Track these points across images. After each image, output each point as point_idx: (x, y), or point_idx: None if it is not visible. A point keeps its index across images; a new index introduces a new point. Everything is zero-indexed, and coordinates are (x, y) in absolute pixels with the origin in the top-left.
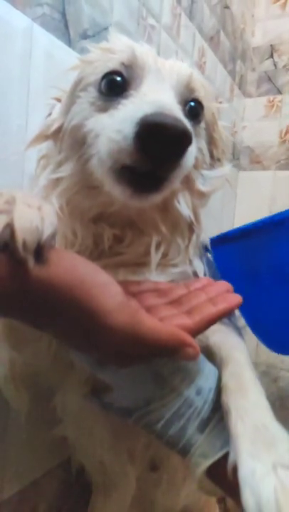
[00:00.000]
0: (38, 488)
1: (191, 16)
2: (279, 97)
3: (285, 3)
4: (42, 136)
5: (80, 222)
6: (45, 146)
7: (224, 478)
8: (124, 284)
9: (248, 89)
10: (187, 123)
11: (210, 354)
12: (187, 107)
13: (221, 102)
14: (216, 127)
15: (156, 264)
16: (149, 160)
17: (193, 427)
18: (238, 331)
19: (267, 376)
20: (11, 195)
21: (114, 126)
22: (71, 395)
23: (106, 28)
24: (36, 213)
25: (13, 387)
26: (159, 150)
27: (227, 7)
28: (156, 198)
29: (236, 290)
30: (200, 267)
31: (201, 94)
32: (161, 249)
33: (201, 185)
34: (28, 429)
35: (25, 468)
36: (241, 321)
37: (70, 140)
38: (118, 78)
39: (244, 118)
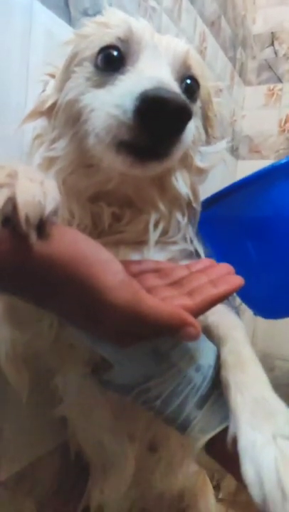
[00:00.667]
0: (36, 469)
1: None
2: (279, 86)
3: None
4: (36, 113)
5: (76, 202)
6: (40, 124)
7: (223, 453)
8: (125, 264)
9: (248, 77)
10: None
11: (208, 333)
12: (183, 85)
13: (221, 90)
14: (211, 106)
15: (154, 242)
16: (149, 135)
17: (192, 403)
18: (235, 310)
19: (263, 365)
20: (12, 169)
21: (113, 102)
22: (72, 376)
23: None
24: (39, 188)
25: (13, 367)
26: (159, 125)
27: None
28: (157, 167)
29: (223, 257)
30: (200, 245)
31: (198, 72)
32: (160, 227)
33: (198, 162)
34: (27, 411)
35: (23, 449)
36: (237, 300)
37: (64, 116)
38: (115, 53)
39: (244, 107)
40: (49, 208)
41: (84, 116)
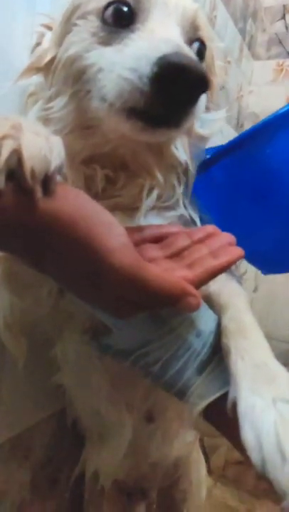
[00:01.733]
0: (32, 435)
1: None
2: (288, 61)
3: None
4: (33, 69)
5: (70, 164)
6: (34, 82)
7: (221, 419)
8: (127, 232)
9: (257, 50)
10: None
11: (210, 302)
12: (193, 48)
13: (229, 62)
14: (214, 69)
15: (148, 208)
16: (164, 103)
17: (192, 368)
18: (237, 279)
19: None
20: (17, 121)
21: (127, 64)
22: (71, 344)
23: None
24: (45, 142)
25: (12, 334)
26: (176, 93)
27: None
28: (166, 135)
29: (223, 219)
30: (195, 212)
31: (205, 33)
32: (154, 193)
33: (198, 128)
34: (25, 377)
35: (20, 415)
36: (239, 270)
37: (64, 73)
38: (125, 8)
39: (251, 82)
40: (55, 163)
41: (88, 75)
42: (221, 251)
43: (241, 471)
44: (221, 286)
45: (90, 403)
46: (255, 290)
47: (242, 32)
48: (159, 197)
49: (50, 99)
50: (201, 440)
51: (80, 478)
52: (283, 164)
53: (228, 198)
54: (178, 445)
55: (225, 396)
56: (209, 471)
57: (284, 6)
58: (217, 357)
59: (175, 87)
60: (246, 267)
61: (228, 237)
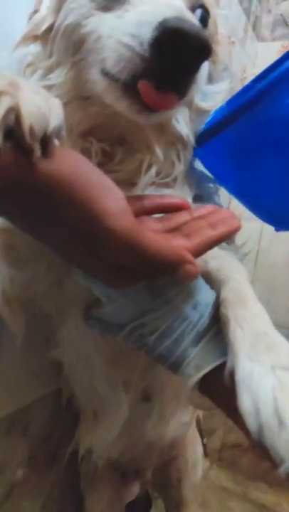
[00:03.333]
0: (30, 412)
1: None
2: None
3: None
4: (30, 37)
5: (68, 136)
6: (32, 52)
7: (217, 390)
8: (127, 200)
9: (262, 32)
10: None
11: (209, 278)
12: (196, 14)
13: (233, 42)
14: (217, 38)
15: (146, 184)
16: (164, 71)
17: (188, 339)
18: (239, 257)
19: None
20: (14, 79)
21: (128, 30)
22: (70, 321)
23: None
24: (43, 101)
25: (10, 308)
26: (177, 60)
27: None
28: (164, 116)
29: (237, 179)
30: (190, 191)
31: (209, 0)
32: (153, 169)
33: (199, 101)
34: (23, 353)
35: (18, 391)
36: (242, 251)
37: (63, 42)
38: None
39: (256, 64)
40: (53, 123)
41: (88, 44)
42: (220, 223)
43: (237, 454)
44: (222, 263)
45: (86, 381)
46: (254, 276)
47: (247, 12)
48: (157, 173)
49: (50, 69)
50: (198, 423)
51: (77, 455)
52: None
53: (246, 159)
54: (174, 425)
55: (220, 367)
56: (205, 454)
57: None
58: (214, 329)
59: (176, 53)
60: (249, 247)
61: (229, 213)
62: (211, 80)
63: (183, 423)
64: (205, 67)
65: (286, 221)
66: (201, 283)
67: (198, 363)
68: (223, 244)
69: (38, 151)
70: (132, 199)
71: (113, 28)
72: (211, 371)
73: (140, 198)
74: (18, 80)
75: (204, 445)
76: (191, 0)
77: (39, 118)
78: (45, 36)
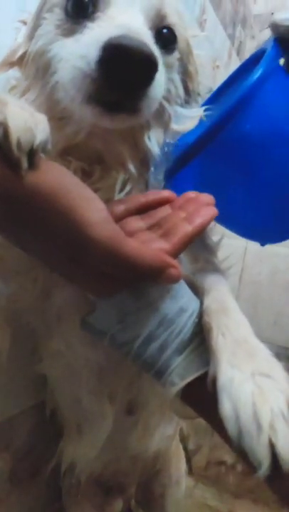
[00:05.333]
0: (13, 426)
1: None
2: None
3: None
4: (7, 63)
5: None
6: (15, 76)
7: (199, 399)
8: (109, 205)
9: (245, 56)
10: (154, 48)
11: (193, 289)
12: (159, 35)
13: (218, 66)
14: (191, 58)
15: None
16: (114, 88)
17: (172, 348)
18: (222, 272)
19: None
20: (2, 96)
21: (79, 52)
22: (56, 335)
23: None
24: (30, 116)
25: None
26: (123, 76)
27: None
28: (126, 120)
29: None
30: None
31: (174, 20)
32: (127, 187)
33: (173, 123)
34: (6, 365)
35: (1, 404)
36: (225, 264)
37: (34, 67)
38: None
39: None
40: (40, 137)
41: (53, 67)
42: (195, 214)
43: (222, 471)
44: (206, 274)
45: (72, 394)
46: (239, 293)
47: (231, 37)
48: (132, 190)
49: (24, 92)
50: (182, 440)
51: (59, 470)
52: (266, 134)
53: (216, 184)
54: (158, 438)
55: (203, 377)
56: (190, 472)
57: (273, 14)
58: (198, 338)
59: (120, 70)
60: (231, 262)
61: (206, 198)
62: (189, 100)
63: (166, 436)
64: (160, 81)
65: (268, 236)
66: (185, 289)
67: (182, 372)
68: (208, 258)
69: (25, 164)
70: (116, 203)
71: (69, 52)
72: (194, 380)
73: (124, 200)
74: (5, 97)
75: (189, 462)
76: (154, 21)
77: (26, 132)
78: (21, 62)
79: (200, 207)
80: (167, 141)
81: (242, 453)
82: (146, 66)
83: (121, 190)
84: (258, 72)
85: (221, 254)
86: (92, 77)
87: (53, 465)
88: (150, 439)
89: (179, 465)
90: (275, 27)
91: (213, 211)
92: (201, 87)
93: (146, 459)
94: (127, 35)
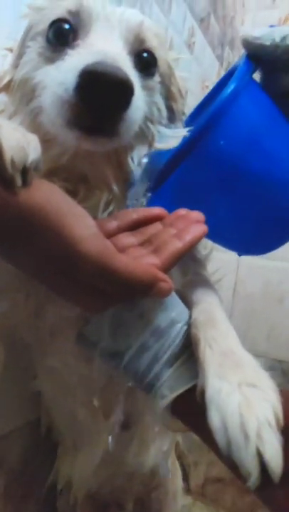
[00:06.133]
0: (7, 442)
1: None
2: None
3: None
4: None
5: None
6: (3, 100)
7: (190, 413)
8: (101, 222)
9: None
10: (131, 73)
11: (184, 302)
12: (138, 58)
13: (207, 86)
14: (174, 79)
15: None
16: (92, 113)
17: (163, 360)
18: (212, 285)
19: None
20: None
21: (58, 79)
22: (50, 351)
23: None
24: (22, 137)
25: None
26: (100, 101)
27: None
28: (107, 143)
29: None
30: None
31: (154, 44)
32: (111, 207)
33: (156, 143)
34: (0, 384)
35: None
36: (216, 277)
37: (19, 93)
38: (66, 26)
39: None
40: (32, 156)
41: (36, 93)
42: (184, 230)
43: (220, 488)
44: (195, 286)
45: (67, 410)
46: (233, 306)
47: (219, 58)
48: (113, 210)
49: (10, 118)
50: (180, 458)
51: (55, 488)
52: (241, 148)
53: (194, 200)
54: (154, 453)
55: (192, 390)
56: (188, 490)
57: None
58: (188, 350)
59: (96, 95)
60: (222, 276)
61: (196, 215)
62: (174, 120)
63: (162, 451)
64: (139, 104)
65: (250, 247)
66: (177, 301)
67: (172, 384)
68: (197, 271)
69: (18, 181)
70: (108, 219)
71: (50, 79)
72: (184, 392)
73: (116, 217)
74: None
75: (187, 480)
76: (133, 46)
77: (19, 151)
78: (7, 89)
79: (190, 224)
80: (147, 160)
81: (233, 464)
82: (122, 91)
83: (104, 209)
84: (228, 89)
85: (212, 267)
86: (71, 103)
87: (48, 484)
88: (146, 455)
89: (175, 481)
90: (246, 44)
91: (202, 228)
92: (186, 107)
93: (143, 474)
94: (102, 62)
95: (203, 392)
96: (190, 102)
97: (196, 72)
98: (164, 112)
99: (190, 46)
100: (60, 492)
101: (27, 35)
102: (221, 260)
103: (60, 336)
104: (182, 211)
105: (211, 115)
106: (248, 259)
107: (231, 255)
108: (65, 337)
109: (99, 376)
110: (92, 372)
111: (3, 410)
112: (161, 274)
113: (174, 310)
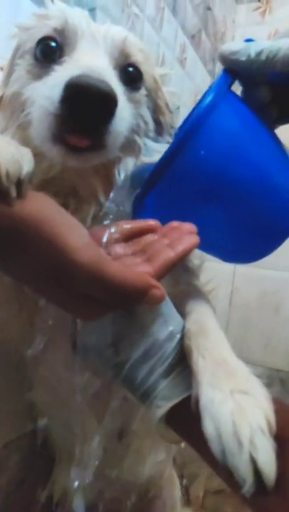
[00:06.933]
0: (3, 454)
1: (174, 11)
2: None
3: (264, 11)
4: None
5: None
6: None
7: (184, 425)
8: (94, 232)
9: None
10: (115, 85)
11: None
12: (124, 73)
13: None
14: (160, 93)
15: None
16: (78, 125)
17: (160, 371)
18: (204, 294)
19: None
20: None
21: (44, 93)
22: (44, 362)
23: (92, 9)
24: (16, 149)
25: None
26: (84, 112)
27: (209, 9)
28: (94, 158)
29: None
30: None
31: (138, 59)
32: (99, 219)
33: (143, 156)
34: None
35: None
36: (209, 287)
37: (9, 109)
38: (53, 44)
39: None
40: (26, 168)
41: (26, 109)
42: (177, 241)
43: (220, 500)
44: (188, 296)
45: (62, 421)
46: (229, 316)
47: (211, 73)
48: (101, 223)
49: (1, 132)
50: (180, 469)
51: (52, 500)
52: (222, 157)
53: (178, 211)
54: (150, 464)
55: (187, 401)
56: (188, 502)
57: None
58: (184, 362)
59: (81, 107)
60: (216, 285)
61: (189, 227)
62: (162, 133)
63: (158, 461)
64: (124, 116)
65: (239, 255)
66: (175, 313)
67: (166, 395)
68: (189, 281)
69: (13, 193)
70: (100, 230)
71: (37, 94)
72: (179, 403)
73: (109, 227)
74: None
75: (187, 493)
76: (118, 61)
77: (14, 164)
78: None
79: (183, 235)
80: (133, 169)
81: (228, 473)
82: (106, 102)
83: (92, 223)
84: (206, 100)
85: (206, 277)
86: (57, 115)
87: (46, 495)
88: (142, 465)
89: (173, 491)
90: (222, 59)
91: (195, 239)
92: (180, 122)
93: (139, 485)
94: (86, 75)
95: (197, 402)
96: (183, 117)
97: (188, 87)
98: (151, 125)
99: (182, 62)
100: (57, 504)
101: (16, 54)
102: (216, 270)
103: (52, 347)
104: (175, 223)
105: (189, 126)
106: (243, 269)
107: (227, 265)
108: (57, 348)
109: (91, 386)
110: (85, 383)
111: (0, 422)
112: (154, 281)
113: (173, 323)
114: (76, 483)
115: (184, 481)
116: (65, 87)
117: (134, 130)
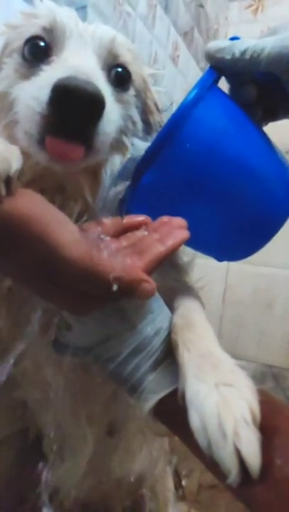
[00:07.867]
0: None
1: (166, 9)
2: None
3: (256, 9)
4: None
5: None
6: None
7: (172, 417)
8: (83, 228)
9: None
10: (103, 87)
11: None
12: (112, 73)
13: None
14: (149, 93)
15: None
16: (65, 125)
17: (147, 365)
18: (192, 290)
19: None
20: None
21: (32, 93)
22: (31, 357)
23: (83, 7)
24: (4, 147)
25: None
26: (72, 114)
27: (201, 6)
28: (80, 162)
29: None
30: None
31: (127, 59)
32: (84, 218)
33: (129, 154)
34: None
35: None
36: (200, 283)
37: None
38: (41, 43)
39: None
40: (15, 166)
41: (14, 109)
42: (167, 236)
43: (215, 495)
44: (174, 293)
45: (51, 417)
46: (223, 313)
47: (204, 71)
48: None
49: None
50: (174, 464)
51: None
52: (207, 151)
53: (166, 205)
54: (141, 460)
55: (174, 394)
56: (183, 497)
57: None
58: (171, 356)
59: (68, 108)
60: (207, 282)
61: (179, 221)
62: (151, 132)
63: (150, 458)
64: (110, 117)
65: (227, 252)
66: (163, 308)
67: (154, 388)
68: (176, 277)
69: (3, 191)
70: (90, 226)
71: (25, 94)
72: (166, 396)
73: (99, 223)
74: None
75: (182, 488)
76: (106, 61)
77: (3, 162)
78: None
79: (173, 229)
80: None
81: (215, 464)
82: (93, 104)
83: (77, 220)
84: (190, 94)
85: (199, 274)
86: (44, 116)
87: (37, 492)
88: (133, 461)
89: (166, 487)
90: (208, 57)
91: (184, 234)
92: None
93: (131, 481)
94: (73, 76)
95: (183, 395)
96: None
97: (181, 84)
98: (140, 125)
99: (174, 60)
100: (49, 501)
101: (3, 53)
102: (210, 267)
103: (37, 343)
104: (165, 218)
105: (174, 119)
106: (237, 266)
107: (220, 262)
108: (41, 344)
109: (78, 383)
110: (72, 379)
111: None
112: (144, 276)
113: (162, 318)
114: (68, 480)
115: (179, 476)
116: (53, 88)
117: (123, 131)
